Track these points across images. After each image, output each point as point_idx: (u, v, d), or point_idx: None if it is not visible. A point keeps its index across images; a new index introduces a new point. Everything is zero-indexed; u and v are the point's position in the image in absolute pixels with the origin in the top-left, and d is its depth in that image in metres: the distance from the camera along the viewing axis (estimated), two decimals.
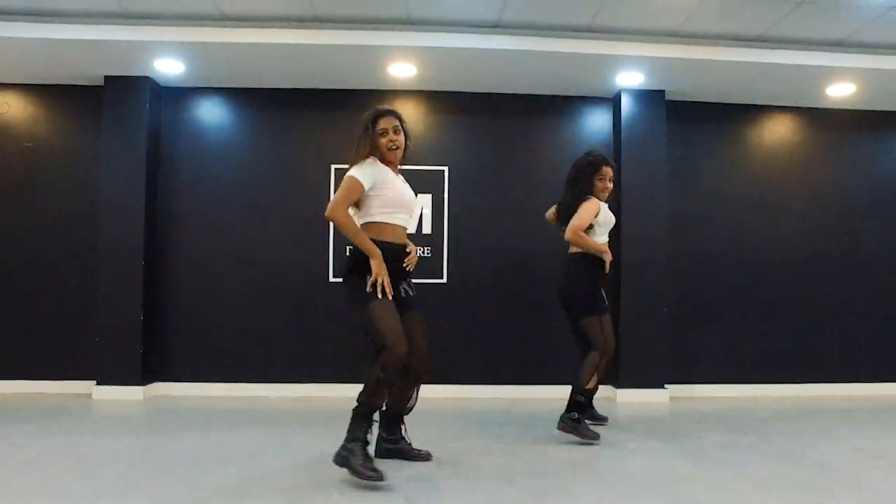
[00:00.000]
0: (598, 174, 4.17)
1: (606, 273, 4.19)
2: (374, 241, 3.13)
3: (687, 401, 5.49)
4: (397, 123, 3.28)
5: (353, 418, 3.05)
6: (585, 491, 2.98)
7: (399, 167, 3.39)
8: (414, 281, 3.50)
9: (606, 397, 5.54)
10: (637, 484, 3.12)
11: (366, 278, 3.06)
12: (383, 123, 3.24)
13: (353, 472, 2.94)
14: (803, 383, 5.86)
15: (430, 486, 3.03)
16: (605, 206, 4.22)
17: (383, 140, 3.23)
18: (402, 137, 3.30)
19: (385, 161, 3.26)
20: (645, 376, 5.52)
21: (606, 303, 4.25)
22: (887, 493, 2.99)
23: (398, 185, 3.29)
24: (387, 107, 3.36)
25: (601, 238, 4.19)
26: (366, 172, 3.15)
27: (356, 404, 3.05)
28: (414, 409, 3.44)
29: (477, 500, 2.82)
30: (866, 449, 3.83)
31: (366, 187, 3.14)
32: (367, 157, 3.20)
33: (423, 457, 3.40)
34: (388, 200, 3.20)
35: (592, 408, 4.37)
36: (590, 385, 4.06)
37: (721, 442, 4.00)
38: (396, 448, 3.40)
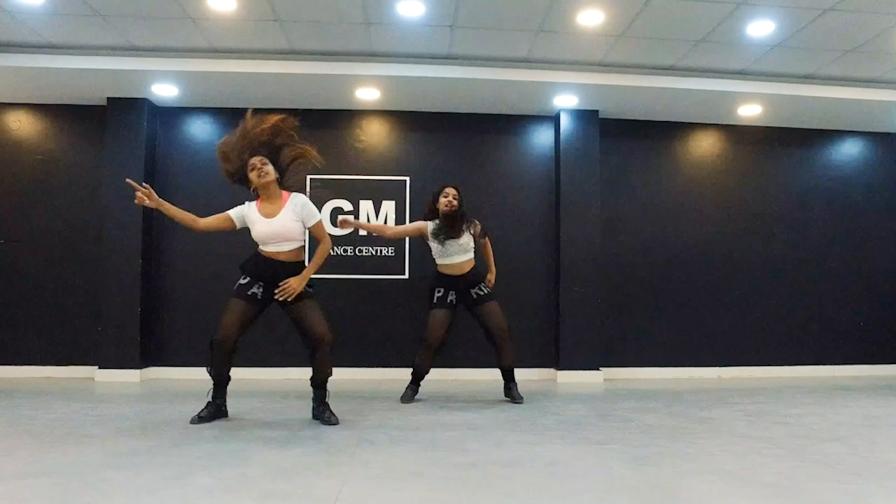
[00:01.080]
0: (441, 193, 5.09)
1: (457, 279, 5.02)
2: (256, 252, 4.16)
3: (619, 381, 6.31)
4: (262, 157, 4.08)
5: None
6: (504, 434, 3.77)
7: (285, 198, 4.15)
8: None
9: (547, 378, 6.37)
10: (543, 429, 3.92)
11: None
12: (252, 162, 4.06)
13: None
14: (723, 366, 6.70)
15: (356, 434, 3.82)
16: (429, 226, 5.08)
17: (252, 174, 4.08)
18: (269, 167, 4.06)
19: (263, 194, 4.13)
20: (581, 360, 6.32)
21: (437, 301, 5.00)
22: (739, 435, 3.81)
23: (259, 225, 4.08)
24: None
25: (440, 257, 5.06)
26: (235, 210, 4.18)
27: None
28: (330, 379, 4.22)
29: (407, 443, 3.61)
30: (749, 411, 4.65)
31: (235, 223, 4.19)
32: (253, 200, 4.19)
33: (334, 422, 4.08)
34: (255, 236, 4.14)
35: (514, 386, 5.06)
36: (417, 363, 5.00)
37: (629, 406, 4.82)
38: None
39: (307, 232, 4.19)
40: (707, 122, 6.83)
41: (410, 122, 6.57)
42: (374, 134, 6.56)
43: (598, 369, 6.35)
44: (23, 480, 2.76)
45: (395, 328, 6.32)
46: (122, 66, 5.50)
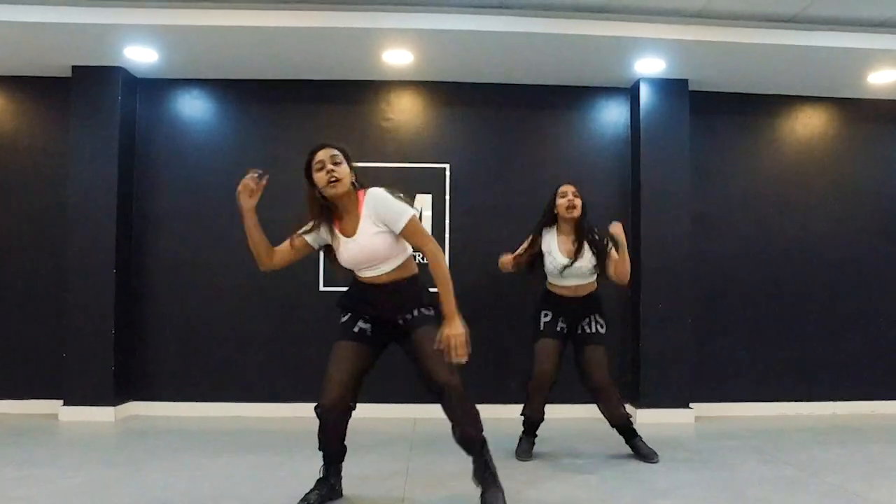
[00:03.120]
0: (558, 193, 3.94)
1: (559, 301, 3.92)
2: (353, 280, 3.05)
3: (712, 420, 4.99)
4: (335, 153, 2.83)
5: None
6: None
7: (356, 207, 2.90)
8: None
9: None
10: None
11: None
12: (319, 155, 2.82)
13: None
14: (839, 401, 5.34)
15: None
16: (554, 240, 3.91)
17: (318, 176, 2.81)
18: (343, 167, 2.82)
19: (339, 205, 2.88)
20: (668, 395, 5.01)
21: (544, 328, 3.89)
22: None
23: (342, 249, 2.91)
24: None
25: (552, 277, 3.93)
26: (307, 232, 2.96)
27: None
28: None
29: None
30: None
31: (313, 245, 3.01)
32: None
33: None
34: (343, 262, 2.95)
35: (640, 442, 3.90)
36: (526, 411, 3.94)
37: (760, 476, 3.49)
38: None
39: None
40: (823, 94, 5.44)
41: (450, 95, 5.27)
42: (406, 111, 5.28)
43: (688, 406, 5.03)
44: None
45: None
46: (86, 19, 4.25)
